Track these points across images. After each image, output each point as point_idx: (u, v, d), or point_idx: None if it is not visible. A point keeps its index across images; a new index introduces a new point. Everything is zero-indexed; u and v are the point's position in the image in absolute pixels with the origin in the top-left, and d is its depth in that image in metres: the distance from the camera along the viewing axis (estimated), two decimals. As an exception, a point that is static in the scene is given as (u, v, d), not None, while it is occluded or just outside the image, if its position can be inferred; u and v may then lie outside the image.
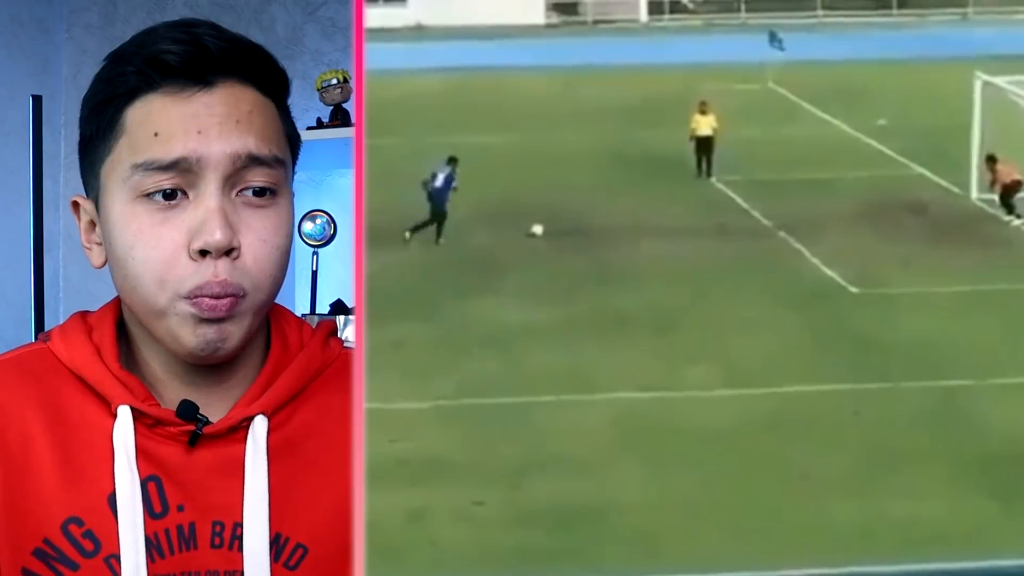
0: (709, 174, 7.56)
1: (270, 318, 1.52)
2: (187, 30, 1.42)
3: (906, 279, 5.84)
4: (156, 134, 1.37)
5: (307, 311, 4.03)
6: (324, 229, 4.11)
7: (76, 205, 1.49)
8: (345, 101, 3.97)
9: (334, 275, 4.14)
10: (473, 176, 7.41)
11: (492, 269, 5.92)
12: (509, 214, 6.66)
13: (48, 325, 3.98)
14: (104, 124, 1.40)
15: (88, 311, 1.54)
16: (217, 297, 1.37)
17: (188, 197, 1.37)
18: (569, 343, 5.03)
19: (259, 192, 1.40)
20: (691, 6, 12.66)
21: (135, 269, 1.38)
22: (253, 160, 1.39)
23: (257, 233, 1.39)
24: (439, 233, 6.44)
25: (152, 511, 1.42)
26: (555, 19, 12.55)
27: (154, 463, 1.42)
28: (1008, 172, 6.76)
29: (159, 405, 1.44)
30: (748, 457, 4.11)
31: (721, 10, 12.47)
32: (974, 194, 7.04)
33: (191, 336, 1.38)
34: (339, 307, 4.04)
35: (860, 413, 4.44)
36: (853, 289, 5.74)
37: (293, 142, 1.49)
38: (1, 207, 4.25)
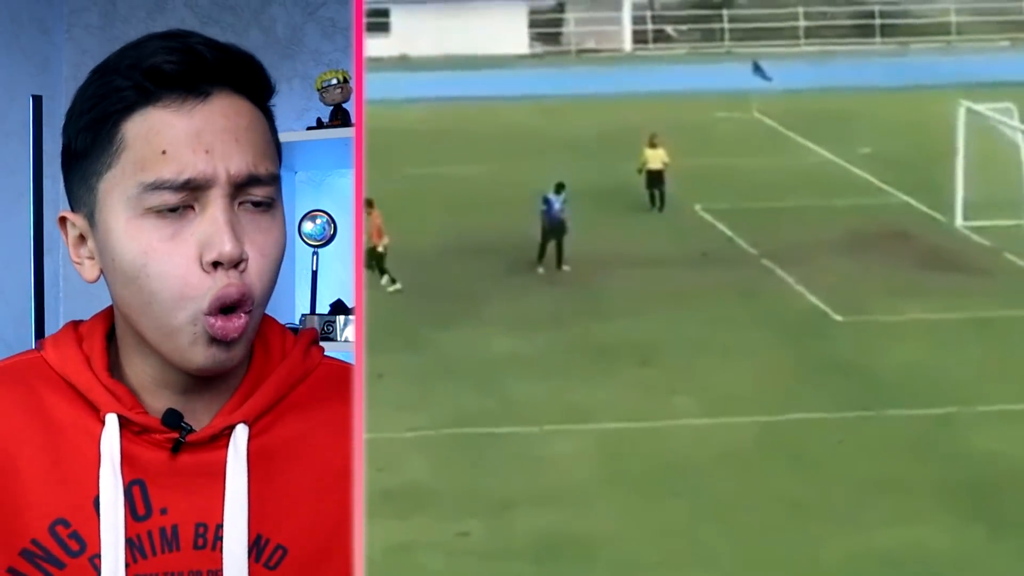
0: (661, 208, 7.56)
1: None
2: (180, 40, 1.43)
3: (891, 307, 5.84)
4: (164, 152, 1.38)
5: (307, 311, 4.03)
6: (324, 229, 4.12)
7: (63, 220, 1.50)
8: (345, 101, 3.96)
9: (334, 275, 4.14)
10: (456, 206, 7.42)
11: (475, 299, 5.91)
12: (493, 244, 6.65)
13: (48, 325, 4.01)
14: (101, 138, 1.41)
15: (80, 320, 1.58)
16: (234, 305, 1.41)
17: (194, 209, 1.40)
18: (553, 373, 5.02)
19: (258, 203, 1.44)
20: (675, 35, 12.70)
21: (151, 286, 1.40)
22: (252, 176, 1.42)
23: (259, 248, 1.43)
24: (560, 256, 6.52)
25: (136, 514, 1.47)
26: (539, 48, 12.58)
27: (139, 468, 1.47)
28: None
29: (146, 413, 1.48)
30: (733, 486, 4.10)
31: (705, 39, 12.51)
32: (959, 221, 7.05)
33: (201, 355, 1.42)
34: (339, 307, 4.04)
35: (845, 441, 4.43)
36: (838, 317, 5.74)
37: (279, 149, 1.52)
38: (1, 207, 4.26)
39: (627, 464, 4.28)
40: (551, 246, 6.52)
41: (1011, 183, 7.08)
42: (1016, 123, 7.32)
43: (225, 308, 1.41)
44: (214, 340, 1.41)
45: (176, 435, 1.48)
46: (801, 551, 3.72)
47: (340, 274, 4.16)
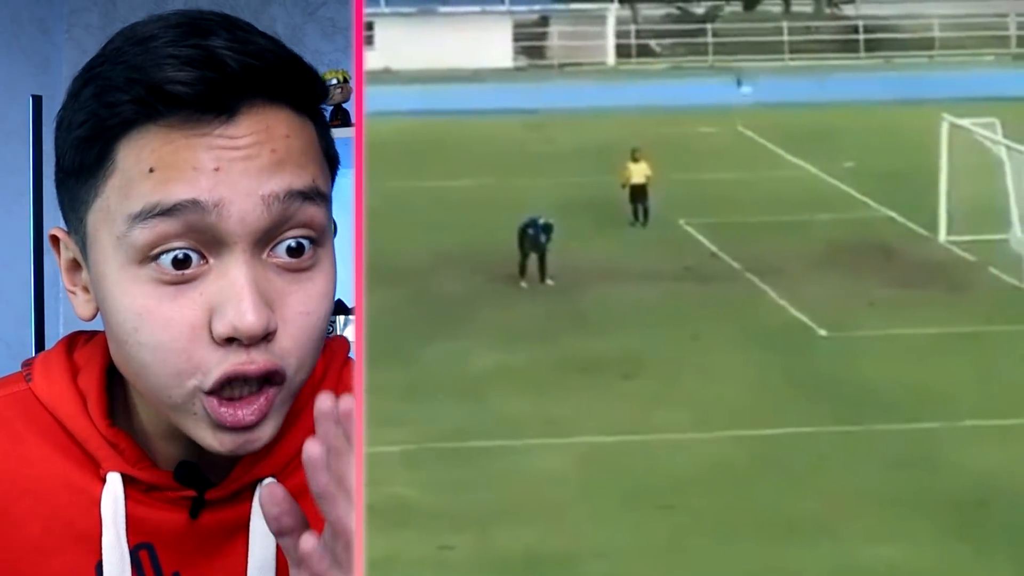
0: (645, 222, 7.56)
1: None
2: (198, 43, 1.07)
3: (875, 322, 5.83)
4: (151, 170, 1.06)
5: (307, 311, 4.01)
6: (324, 229, 4.12)
7: (55, 240, 1.18)
8: (345, 101, 3.96)
9: (334, 275, 4.13)
10: (438, 220, 7.40)
11: (458, 313, 5.89)
12: (476, 258, 6.64)
13: (48, 325, 4.00)
14: (90, 161, 1.10)
15: (78, 335, 1.27)
16: (248, 382, 1.10)
17: (206, 261, 1.08)
18: (537, 387, 5.00)
19: (296, 250, 1.12)
20: (658, 49, 12.71)
21: (141, 355, 1.10)
22: (293, 197, 1.10)
23: (297, 304, 1.12)
24: (543, 270, 6.51)
25: None
26: (522, 62, 12.59)
27: (147, 531, 1.21)
28: None
29: (153, 466, 1.21)
30: (717, 501, 4.08)
31: (689, 53, 12.52)
32: (942, 236, 7.05)
33: (210, 439, 1.13)
34: (339, 307, 4.03)
35: (828, 456, 4.42)
36: (821, 332, 5.73)
37: (333, 164, 1.22)
38: (1, 207, 4.27)
39: (611, 478, 4.26)
40: (532, 261, 6.51)
41: (995, 198, 7.08)
42: (999, 138, 7.33)
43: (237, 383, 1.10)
44: (226, 427, 1.11)
45: (192, 492, 1.20)
46: (785, 566, 3.71)
47: (340, 274, 4.15)
